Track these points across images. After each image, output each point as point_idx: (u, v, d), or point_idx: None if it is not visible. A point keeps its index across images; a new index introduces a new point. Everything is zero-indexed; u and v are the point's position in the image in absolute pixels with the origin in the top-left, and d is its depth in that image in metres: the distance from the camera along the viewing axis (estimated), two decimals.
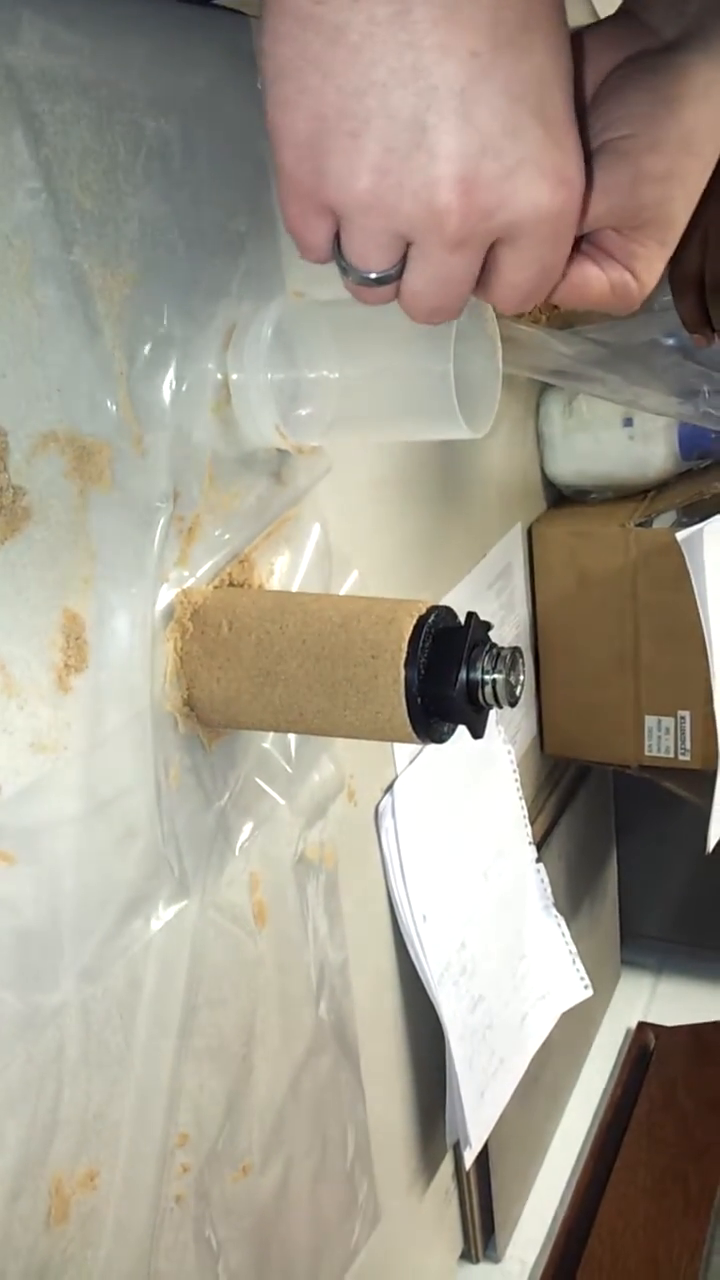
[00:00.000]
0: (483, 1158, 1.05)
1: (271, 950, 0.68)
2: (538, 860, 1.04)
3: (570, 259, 0.44)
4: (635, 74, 0.44)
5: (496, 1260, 1.13)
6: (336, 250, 0.40)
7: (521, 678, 0.56)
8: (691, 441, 1.05)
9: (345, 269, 0.40)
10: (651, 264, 0.46)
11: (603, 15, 0.79)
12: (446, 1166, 1.04)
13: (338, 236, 0.39)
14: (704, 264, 0.77)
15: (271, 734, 0.64)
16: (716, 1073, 1.29)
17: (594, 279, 0.45)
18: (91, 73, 0.47)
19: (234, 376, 0.57)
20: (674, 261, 0.79)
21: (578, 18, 0.83)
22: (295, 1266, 0.76)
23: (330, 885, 0.74)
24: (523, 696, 0.56)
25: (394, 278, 0.40)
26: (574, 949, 1.06)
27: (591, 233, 0.45)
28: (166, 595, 0.55)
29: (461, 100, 0.33)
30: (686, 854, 1.31)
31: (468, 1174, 1.06)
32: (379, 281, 0.40)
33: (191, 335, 0.55)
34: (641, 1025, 1.38)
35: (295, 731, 0.62)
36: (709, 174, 0.44)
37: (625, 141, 0.43)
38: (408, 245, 0.38)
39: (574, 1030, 1.24)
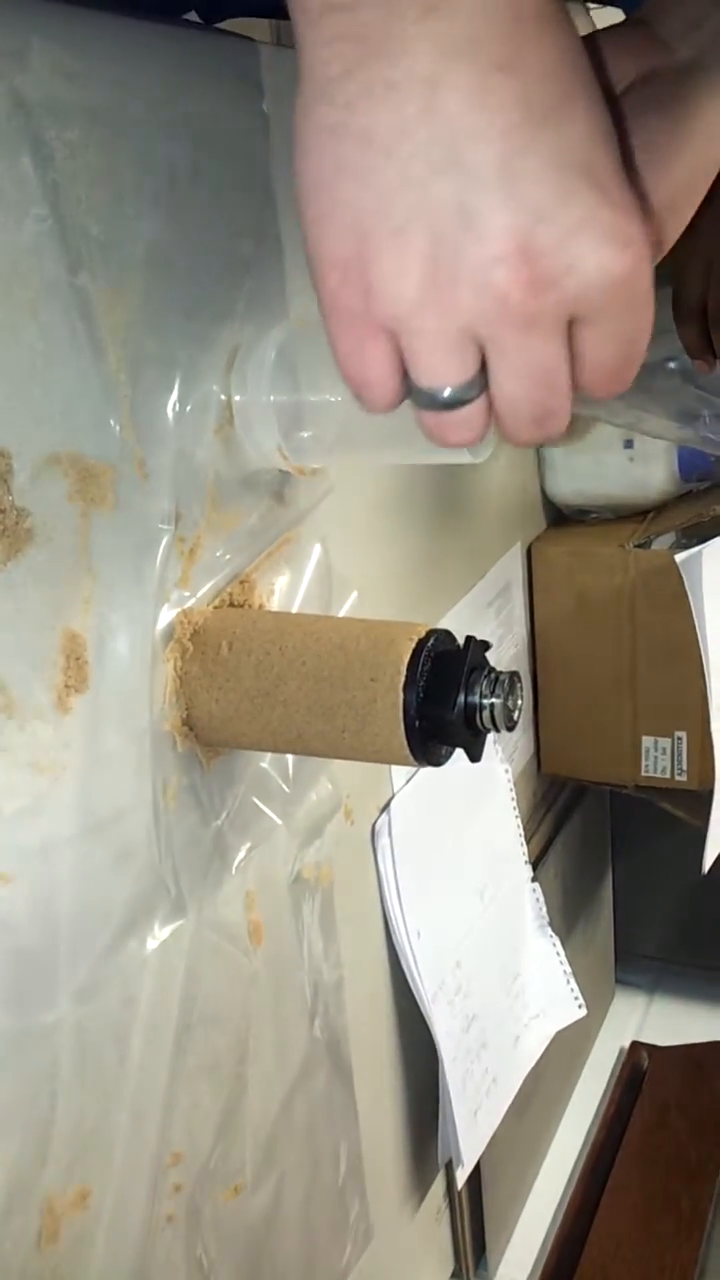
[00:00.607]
0: (475, 1177, 1.04)
1: (266, 969, 0.68)
2: (533, 879, 1.04)
3: None
4: (652, 97, 0.42)
5: None
6: (406, 390, 0.36)
7: (520, 702, 0.56)
8: (691, 464, 1.05)
9: (419, 398, 0.36)
10: None
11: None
12: (438, 1185, 1.04)
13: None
14: (707, 291, 0.77)
15: (270, 754, 0.64)
16: (710, 1093, 1.29)
17: None
18: (99, 98, 0.48)
19: (237, 398, 0.58)
20: (677, 289, 0.80)
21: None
22: None
23: (326, 904, 0.74)
24: (520, 717, 0.56)
25: (473, 396, 0.35)
26: (569, 968, 1.06)
27: None
28: (167, 615, 0.56)
29: (503, 176, 0.31)
30: (682, 874, 1.30)
31: (460, 1193, 1.05)
32: (457, 402, 0.35)
33: (195, 358, 0.55)
34: (635, 1045, 1.38)
35: (293, 753, 0.62)
36: (695, 209, 0.44)
37: (638, 152, 0.41)
38: (482, 360, 0.35)
39: (567, 1049, 1.24)
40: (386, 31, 0.30)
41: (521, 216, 0.31)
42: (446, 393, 0.35)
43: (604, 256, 0.32)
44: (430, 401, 0.35)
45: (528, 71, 0.31)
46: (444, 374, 0.34)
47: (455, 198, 0.31)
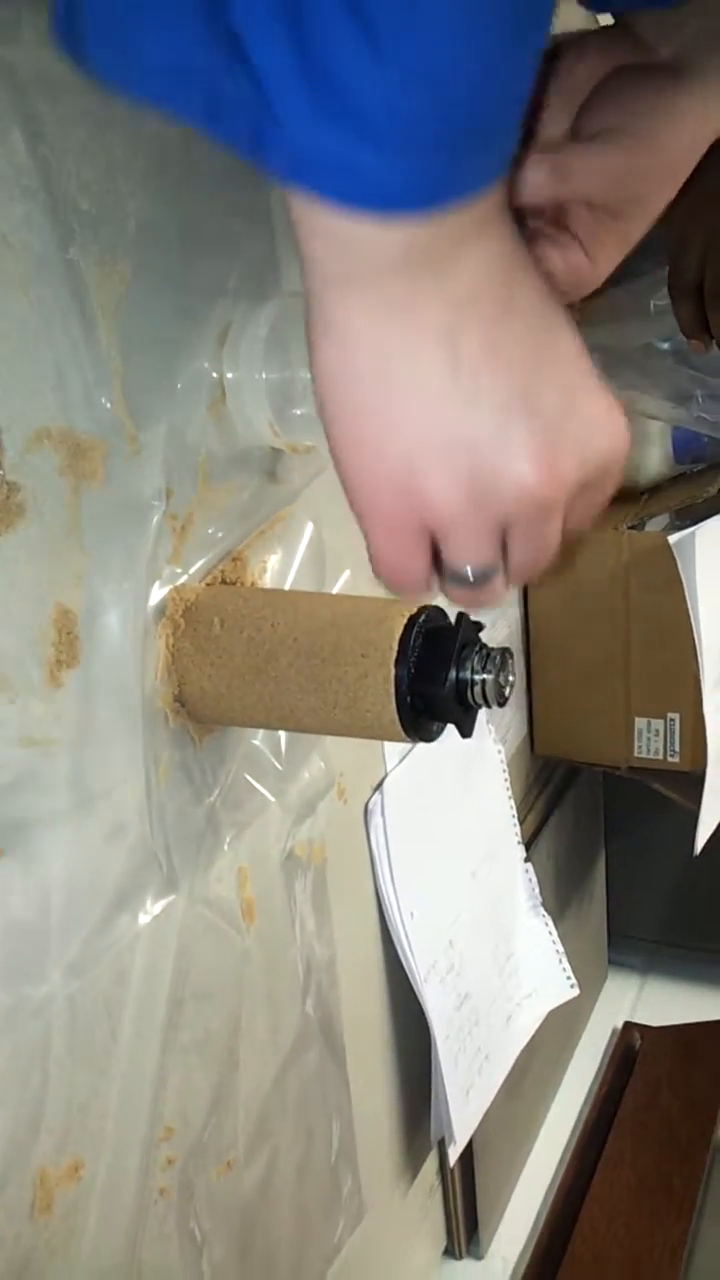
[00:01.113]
0: (467, 1154, 1.05)
1: (259, 946, 0.68)
2: (526, 860, 1.05)
3: (531, 238, 0.46)
4: (635, 78, 0.45)
5: (480, 1257, 1.14)
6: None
7: (511, 678, 0.56)
8: (686, 445, 1.05)
9: (452, 579, 0.42)
10: (611, 255, 0.48)
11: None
12: (431, 1163, 1.04)
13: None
14: (704, 271, 0.77)
15: (262, 731, 0.65)
16: (701, 1073, 1.30)
17: (552, 261, 0.46)
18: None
19: (229, 375, 0.58)
20: (673, 267, 0.80)
21: (577, 24, 0.84)
22: (279, 1260, 0.76)
23: (318, 882, 0.75)
24: (513, 696, 0.56)
25: (494, 572, 0.42)
26: (561, 948, 1.07)
27: (564, 213, 0.46)
28: (159, 592, 0.56)
29: (523, 403, 0.37)
30: (674, 855, 1.31)
31: (452, 1170, 1.06)
32: (484, 577, 0.42)
33: (187, 334, 0.55)
34: (627, 1025, 1.39)
35: (285, 729, 0.62)
36: (676, 190, 0.46)
37: (622, 133, 0.44)
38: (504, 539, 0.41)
39: (560, 1029, 1.24)
40: (409, 295, 0.35)
41: (543, 433, 0.38)
42: (476, 571, 0.42)
43: (613, 444, 0.40)
44: (461, 580, 0.42)
45: (524, 310, 0.37)
46: (479, 559, 0.41)
47: (488, 425, 0.37)
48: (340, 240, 0.34)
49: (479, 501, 0.39)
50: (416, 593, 0.43)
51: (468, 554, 0.41)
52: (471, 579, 0.42)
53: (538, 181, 0.44)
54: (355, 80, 0.28)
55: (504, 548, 0.42)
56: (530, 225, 0.49)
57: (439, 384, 0.36)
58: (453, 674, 0.54)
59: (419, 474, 0.38)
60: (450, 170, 0.32)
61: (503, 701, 0.55)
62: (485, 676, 0.55)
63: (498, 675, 0.55)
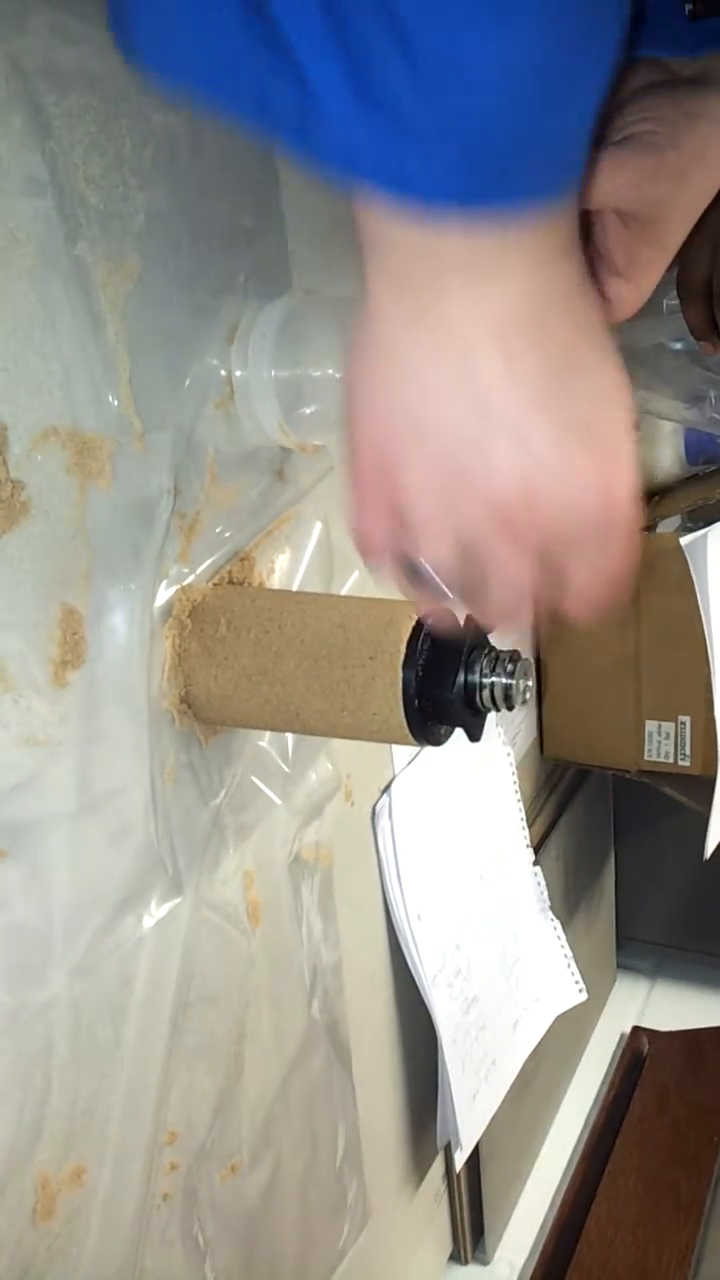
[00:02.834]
0: (474, 1159, 1.04)
1: (264, 949, 0.68)
2: (535, 863, 1.04)
3: None
4: (660, 89, 0.47)
5: (485, 1262, 1.13)
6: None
7: (530, 683, 0.55)
8: (698, 446, 1.05)
9: (405, 565, 0.43)
10: (652, 271, 0.48)
11: None
12: (437, 1168, 1.04)
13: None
14: (712, 272, 0.76)
15: (269, 733, 0.64)
16: (709, 1078, 1.29)
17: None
18: (99, 65, 0.47)
19: (238, 373, 0.57)
20: (682, 268, 0.79)
21: None
22: (283, 1265, 0.75)
23: (325, 885, 0.74)
24: (523, 698, 0.56)
25: (442, 580, 0.43)
26: (569, 952, 1.06)
27: (598, 244, 0.47)
28: (165, 592, 0.55)
29: (518, 429, 0.37)
30: (684, 859, 1.31)
31: (458, 1175, 1.06)
32: (434, 583, 0.43)
33: (196, 331, 0.55)
34: (636, 1030, 1.38)
35: (292, 731, 0.61)
36: (712, 193, 0.46)
37: (651, 135, 0.45)
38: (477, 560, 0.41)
39: (568, 1034, 1.24)
40: (441, 304, 0.35)
41: (525, 461, 0.38)
42: (426, 570, 0.43)
43: (587, 505, 0.39)
44: (412, 571, 0.43)
45: (551, 344, 0.36)
46: (430, 554, 0.42)
47: (478, 435, 0.38)
48: (386, 236, 0.34)
49: (445, 501, 0.39)
50: (373, 561, 0.44)
51: (423, 548, 0.42)
52: (424, 573, 0.43)
53: None
54: (396, 83, 0.29)
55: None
56: None
57: (447, 390, 0.37)
58: (461, 677, 0.53)
59: (403, 459, 0.39)
60: (493, 177, 0.31)
61: (511, 705, 0.54)
62: (494, 679, 0.54)
63: (508, 678, 0.54)
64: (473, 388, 0.37)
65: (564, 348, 0.37)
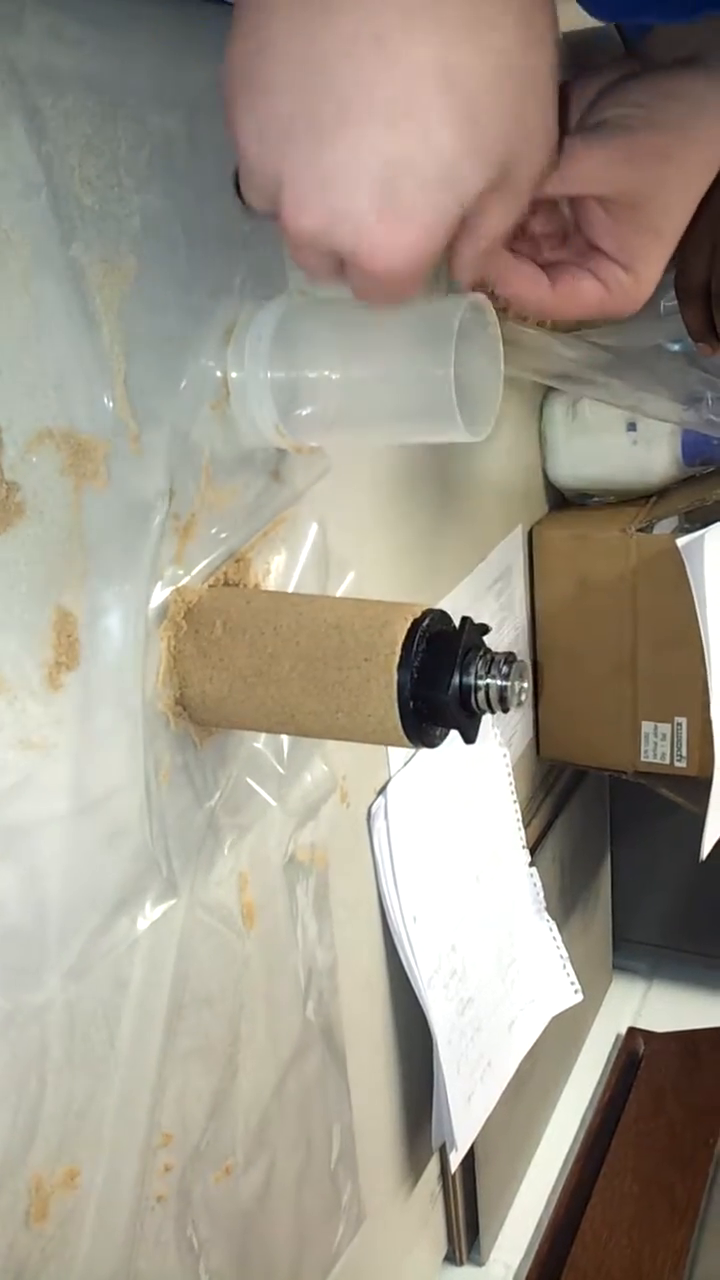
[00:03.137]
0: (469, 1161, 1.04)
1: (259, 951, 0.67)
2: (531, 864, 1.04)
3: (557, 273, 0.45)
4: (637, 77, 0.46)
5: (480, 1264, 1.13)
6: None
7: (526, 685, 0.55)
8: (694, 447, 1.05)
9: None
10: (650, 259, 0.47)
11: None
12: (432, 1169, 1.04)
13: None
14: (710, 273, 0.76)
15: (264, 734, 0.64)
16: (705, 1080, 1.29)
17: (586, 289, 0.46)
18: (95, 66, 0.47)
19: (234, 375, 0.57)
20: (680, 270, 0.79)
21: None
22: (277, 1267, 0.75)
23: (320, 887, 0.74)
24: (519, 700, 0.55)
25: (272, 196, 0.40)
26: (565, 953, 1.06)
27: (587, 236, 0.46)
28: (161, 594, 0.55)
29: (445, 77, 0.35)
30: (680, 860, 1.30)
31: (453, 1177, 1.05)
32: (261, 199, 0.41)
33: (191, 332, 0.55)
34: (631, 1031, 1.38)
35: (287, 733, 0.61)
36: (712, 174, 0.45)
37: (624, 118, 0.44)
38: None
39: (563, 1035, 1.24)
40: None
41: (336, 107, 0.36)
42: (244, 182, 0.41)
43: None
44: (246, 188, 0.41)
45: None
46: (244, 154, 0.40)
47: (310, 88, 0.36)
48: None
49: (259, 134, 0.39)
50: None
51: (239, 156, 0.40)
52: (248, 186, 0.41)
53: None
54: None
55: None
56: (551, 258, 0.49)
57: (296, 27, 0.36)
58: (456, 679, 0.53)
59: (246, 90, 0.38)
60: None
61: (507, 707, 0.54)
62: (489, 681, 0.54)
63: (503, 680, 0.54)
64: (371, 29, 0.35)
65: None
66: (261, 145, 0.39)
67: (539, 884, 1.04)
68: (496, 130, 0.36)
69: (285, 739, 0.65)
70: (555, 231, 0.50)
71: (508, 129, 0.37)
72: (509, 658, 0.54)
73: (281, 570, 0.64)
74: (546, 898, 1.05)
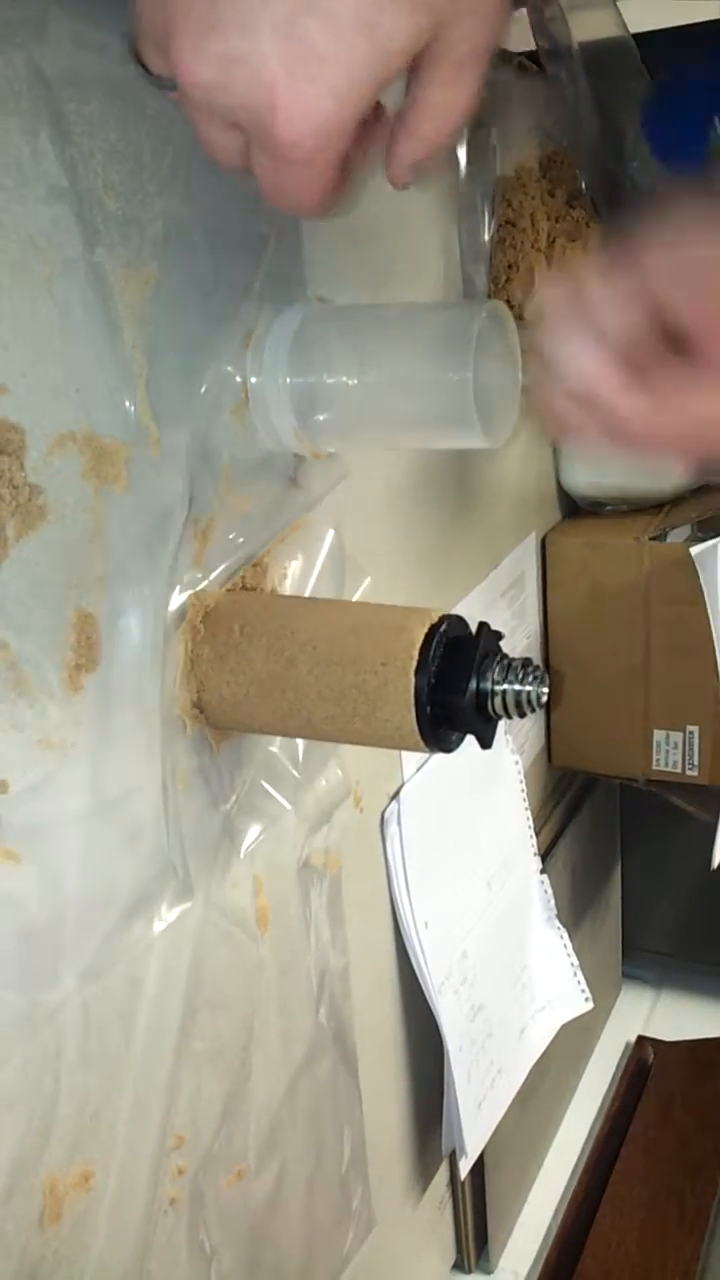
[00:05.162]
0: (478, 1167, 1.04)
1: (273, 954, 0.68)
2: (542, 871, 1.04)
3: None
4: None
5: (489, 1271, 1.13)
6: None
7: (545, 690, 0.55)
8: None
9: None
10: None
11: (632, 25, 0.79)
12: (442, 1175, 1.03)
13: None
14: None
15: (279, 738, 0.64)
16: (715, 1089, 1.29)
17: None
18: (119, 72, 0.47)
19: (253, 380, 0.57)
20: None
21: (607, 30, 0.83)
22: (287, 1271, 0.75)
23: (334, 891, 0.74)
24: (538, 704, 0.56)
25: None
26: (576, 961, 1.06)
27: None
28: (179, 597, 0.55)
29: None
30: (691, 869, 1.30)
31: (463, 1183, 1.05)
32: (171, 87, 0.38)
33: (212, 337, 0.55)
34: (641, 1039, 1.38)
35: (304, 737, 0.61)
36: None
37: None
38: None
39: (573, 1042, 1.23)
40: None
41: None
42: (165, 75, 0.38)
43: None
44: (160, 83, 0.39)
45: None
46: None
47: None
48: None
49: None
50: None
51: (135, 13, 0.38)
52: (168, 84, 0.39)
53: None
54: None
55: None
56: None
57: None
58: (473, 684, 0.54)
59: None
60: None
61: (524, 713, 0.55)
62: (506, 687, 0.54)
63: (530, 686, 0.54)
64: None
65: None
66: None
67: (550, 891, 1.04)
68: None
69: (300, 743, 0.66)
70: None
71: None
72: (526, 663, 0.55)
73: (298, 575, 0.64)
74: (557, 905, 1.05)
